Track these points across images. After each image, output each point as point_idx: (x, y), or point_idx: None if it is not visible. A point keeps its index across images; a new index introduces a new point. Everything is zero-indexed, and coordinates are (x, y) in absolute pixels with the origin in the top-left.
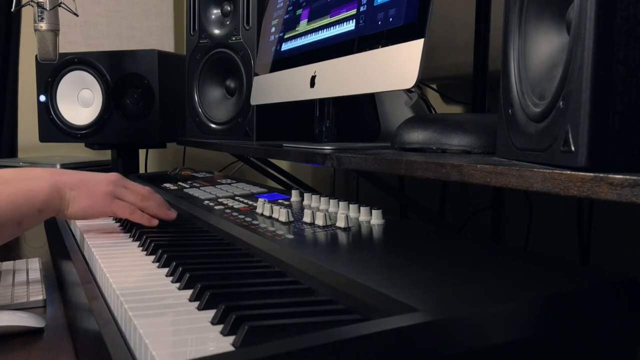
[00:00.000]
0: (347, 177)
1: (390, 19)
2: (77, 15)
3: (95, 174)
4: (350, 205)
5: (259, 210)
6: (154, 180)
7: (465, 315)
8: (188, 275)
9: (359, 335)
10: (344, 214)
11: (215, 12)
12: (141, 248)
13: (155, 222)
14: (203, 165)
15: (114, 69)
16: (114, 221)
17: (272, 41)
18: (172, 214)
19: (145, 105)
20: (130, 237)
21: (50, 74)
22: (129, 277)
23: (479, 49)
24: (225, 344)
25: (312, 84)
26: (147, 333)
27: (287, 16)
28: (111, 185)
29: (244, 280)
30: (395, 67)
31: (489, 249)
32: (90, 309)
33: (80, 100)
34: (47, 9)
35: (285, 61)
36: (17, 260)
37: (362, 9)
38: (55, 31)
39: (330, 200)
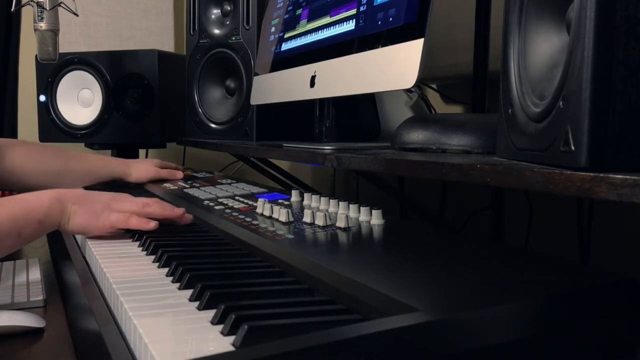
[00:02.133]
0: (347, 177)
1: (390, 19)
2: (77, 15)
3: (100, 192)
4: (350, 205)
5: (259, 210)
6: (153, 180)
7: (465, 315)
8: (188, 275)
9: (359, 335)
10: (344, 214)
11: (215, 12)
12: (141, 248)
13: (153, 225)
14: (203, 165)
15: (114, 69)
16: None
17: (272, 41)
18: (179, 211)
19: (145, 105)
20: (130, 237)
21: (50, 74)
22: (129, 277)
23: (479, 49)
24: (225, 344)
25: (312, 84)
26: (147, 333)
27: (287, 16)
28: (112, 201)
29: (244, 280)
30: (395, 67)
31: (489, 249)
32: (90, 309)
33: (80, 100)
34: (47, 8)
35: (285, 61)
36: (17, 260)
37: (362, 8)
38: (55, 31)
39: (330, 200)
